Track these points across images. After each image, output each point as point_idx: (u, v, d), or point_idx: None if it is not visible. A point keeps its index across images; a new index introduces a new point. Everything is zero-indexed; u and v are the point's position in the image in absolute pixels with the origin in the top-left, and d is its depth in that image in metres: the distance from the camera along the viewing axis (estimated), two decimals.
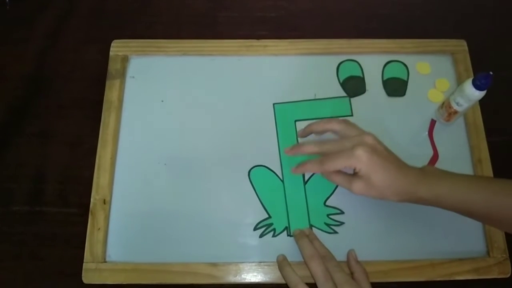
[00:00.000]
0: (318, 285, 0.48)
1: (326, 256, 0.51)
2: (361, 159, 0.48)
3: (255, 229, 0.56)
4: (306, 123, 0.59)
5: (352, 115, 0.62)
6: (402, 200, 0.50)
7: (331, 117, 0.61)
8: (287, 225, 0.56)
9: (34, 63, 0.66)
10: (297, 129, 0.61)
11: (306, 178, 0.59)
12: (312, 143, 0.53)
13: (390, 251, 0.55)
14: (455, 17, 0.70)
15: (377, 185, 0.49)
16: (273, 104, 0.62)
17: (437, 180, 0.49)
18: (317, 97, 0.63)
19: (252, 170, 0.59)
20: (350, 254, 0.54)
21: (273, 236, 0.56)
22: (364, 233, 0.56)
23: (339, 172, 0.52)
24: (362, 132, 0.52)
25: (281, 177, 0.59)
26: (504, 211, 0.47)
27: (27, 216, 0.58)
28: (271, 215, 0.57)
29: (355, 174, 0.50)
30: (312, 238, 0.54)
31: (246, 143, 0.60)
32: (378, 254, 0.55)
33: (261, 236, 0.56)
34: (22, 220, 0.58)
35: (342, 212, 0.57)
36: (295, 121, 0.61)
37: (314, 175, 0.58)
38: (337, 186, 0.58)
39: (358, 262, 0.53)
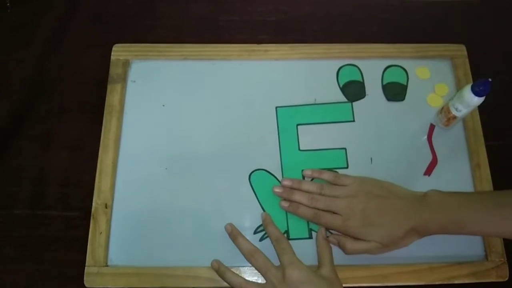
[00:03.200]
0: (262, 275, 0.52)
1: (278, 239, 0.53)
2: (354, 232, 0.52)
3: (255, 232, 0.57)
4: (307, 127, 0.61)
5: (354, 121, 0.62)
6: (413, 241, 0.52)
7: (334, 123, 0.62)
8: (287, 229, 0.57)
9: (35, 67, 0.67)
10: (299, 134, 0.61)
11: None
12: (305, 196, 0.55)
13: (388, 255, 0.55)
14: (454, 22, 0.71)
15: (383, 243, 0.51)
16: (276, 107, 0.63)
17: (443, 215, 0.50)
18: (317, 102, 0.63)
19: (253, 174, 0.59)
20: (319, 231, 0.55)
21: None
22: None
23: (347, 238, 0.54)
24: (350, 193, 0.54)
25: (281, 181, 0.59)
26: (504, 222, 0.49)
27: (28, 220, 0.58)
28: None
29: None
30: (267, 223, 0.55)
31: (246, 146, 0.61)
32: (377, 258, 0.55)
33: (261, 239, 0.56)
34: (23, 223, 0.58)
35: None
36: (297, 125, 0.62)
37: (315, 179, 0.59)
38: None
39: (324, 238, 0.55)
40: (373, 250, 0.52)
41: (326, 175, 0.57)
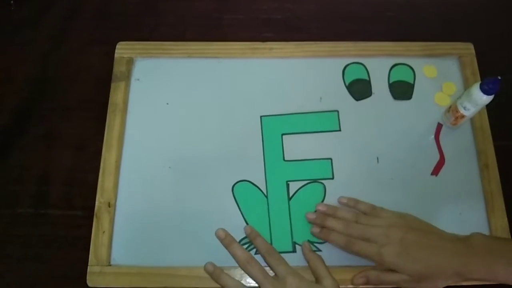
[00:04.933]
0: (259, 285, 0.49)
1: (268, 252, 0.51)
2: (388, 260, 0.48)
3: None
4: (293, 136, 0.60)
5: (340, 130, 0.61)
6: (454, 282, 0.48)
7: (319, 132, 0.61)
8: (270, 242, 0.55)
9: (38, 65, 0.66)
10: (284, 143, 0.60)
11: (290, 194, 0.58)
12: (340, 223, 0.53)
13: None
14: (462, 20, 0.70)
15: (416, 278, 0.48)
16: (261, 116, 0.61)
17: (492, 259, 0.47)
18: (322, 102, 0.62)
19: (236, 184, 0.58)
20: (304, 245, 0.54)
21: (256, 253, 0.54)
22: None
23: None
24: (388, 223, 0.51)
25: (265, 192, 0.58)
26: None
27: (31, 219, 0.58)
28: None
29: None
30: (254, 237, 0.53)
31: (252, 144, 0.60)
32: None
33: None
34: (26, 222, 0.58)
35: None
36: (282, 134, 0.61)
37: (300, 191, 0.58)
38: (322, 203, 0.57)
39: (311, 251, 0.53)
40: (402, 283, 0.49)
41: (363, 206, 0.55)
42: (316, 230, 0.54)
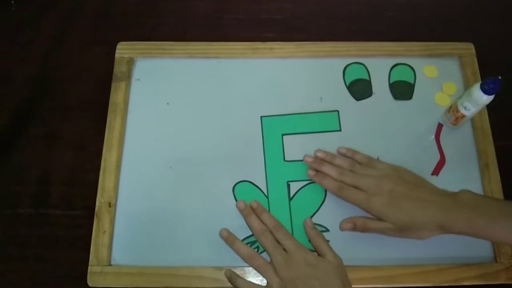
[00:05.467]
0: (269, 255, 0.51)
1: (275, 227, 0.53)
2: (375, 208, 0.51)
3: None
4: (293, 136, 0.60)
5: (340, 130, 0.61)
6: (437, 234, 0.50)
7: (320, 132, 0.61)
8: None
9: (39, 65, 0.66)
10: (284, 144, 0.60)
11: (291, 194, 0.58)
12: (334, 169, 0.55)
13: (396, 256, 0.54)
14: (462, 20, 0.70)
15: (400, 227, 0.51)
16: (261, 117, 0.61)
17: (475, 214, 0.48)
18: (322, 102, 0.62)
19: (237, 185, 0.58)
20: (306, 222, 0.55)
21: (261, 252, 0.54)
22: (350, 251, 0.54)
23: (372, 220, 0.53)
24: (381, 174, 0.54)
25: (266, 193, 0.58)
26: None
27: (32, 219, 0.58)
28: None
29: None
30: (260, 212, 0.55)
31: (252, 144, 0.60)
32: (384, 259, 0.54)
33: None
34: (27, 222, 0.58)
35: (327, 230, 0.56)
36: (282, 135, 0.61)
37: (301, 191, 0.58)
38: (322, 203, 0.57)
39: (313, 228, 0.55)
40: (387, 231, 0.52)
41: (360, 156, 0.57)
42: (312, 173, 0.57)
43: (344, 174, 0.55)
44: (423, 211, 0.50)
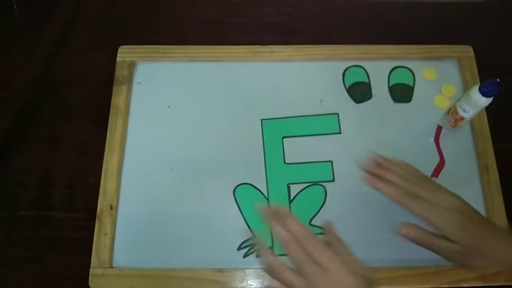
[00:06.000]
0: (299, 270, 0.42)
1: (306, 237, 0.43)
2: (447, 225, 0.45)
3: (238, 249, 0.55)
4: (293, 139, 0.60)
5: (340, 133, 0.61)
6: (498, 268, 0.49)
7: (320, 135, 0.61)
8: (271, 245, 0.55)
9: (41, 69, 0.67)
10: (284, 146, 0.60)
11: (291, 197, 0.58)
12: (401, 178, 0.49)
13: (395, 258, 0.55)
14: (461, 23, 0.70)
15: (468, 251, 0.45)
16: (261, 120, 0.62)
17: None
18: (322, 104, 0.63)
19: (237, 188, 0.58)
20: (328, 226, 0.47)
21: (257, 256, 0.55)
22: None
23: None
24: (453, 195, 0.48)
25: (266, 195, 0.58)
26: None
27: (34, 221, 0.58)
28: (255, 234, 0.56)
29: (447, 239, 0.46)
30: (285, 216, 0.45)
31: (253, 147, 0.60)
32: (384, 261, 0.54)
33: (244, 256, 0.55)
34: (29, 224, 0.58)
35: None
36: (283, 137, 0.61)
37: (301, 193, 0.58)
38: (322, 206, 0.57)
39: (332, 232, 0.46)
40: (452, 253, 0.46)
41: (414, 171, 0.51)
42: (369, 179, 0.49)
43: (410, 182, 0.48)
44: (496, 241, 0.46)
